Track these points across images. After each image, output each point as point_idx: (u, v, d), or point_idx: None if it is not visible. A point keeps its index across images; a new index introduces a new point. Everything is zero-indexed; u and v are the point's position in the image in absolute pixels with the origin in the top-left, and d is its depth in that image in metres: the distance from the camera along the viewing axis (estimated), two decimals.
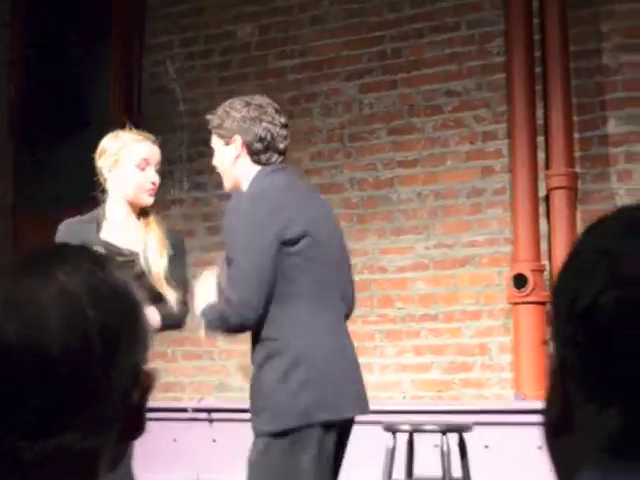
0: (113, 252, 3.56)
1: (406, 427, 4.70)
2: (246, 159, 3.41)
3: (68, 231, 3.65)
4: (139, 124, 6.91)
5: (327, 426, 3.17)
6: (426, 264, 5.90)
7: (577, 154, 5.56)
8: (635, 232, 0.82)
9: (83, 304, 0.97)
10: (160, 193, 3.91)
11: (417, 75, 6.08)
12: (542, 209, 5.58)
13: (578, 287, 0.83)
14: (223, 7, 6.77)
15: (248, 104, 3.45)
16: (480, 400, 5.57)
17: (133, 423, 1.03)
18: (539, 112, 5.64)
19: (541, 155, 5.61)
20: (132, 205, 3.69)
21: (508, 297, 5.53)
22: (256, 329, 3.29)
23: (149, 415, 1.05)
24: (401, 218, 6.01)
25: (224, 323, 3.31)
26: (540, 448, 4.89)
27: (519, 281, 5.44)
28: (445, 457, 4.55)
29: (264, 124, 3.41)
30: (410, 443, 4.79)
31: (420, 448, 4.82)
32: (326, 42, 6.40)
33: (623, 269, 0.80)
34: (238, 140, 3.40)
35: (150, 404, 1.07)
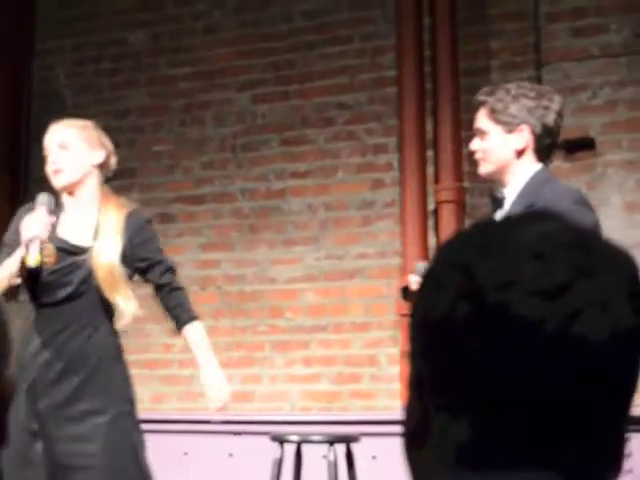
0: (66, 250, 3.55)
1: (294, 438, 4.70)
2: (529, 153, 3.20)
3: (19, 215, 3.62)
4: (28, 129, 6.82)
5: None
6: (316, 275, 5.92)
7: (465, 169, 5.65)
8: (486, 246, 0.84)
9: None
10: None
11: (309, 87, 6.10)
12: (431, 222, 5.66)
13: (432, 300, 0.85)
14: (115, 13, 6.69)
15: (540, 92, 3.23)
16: (368, 411, 5.61)
17: None
18: (429, 126, 5.72)
19: (430, 169, 5.69)
20: (66, 192, 3.69)
21: (397, 309, 5.59)
22: None
23: None
24: (292, 229, 6.02)
25: None
26: None
27: (408, 293, 5.49)
28: (332, 468, 4.56)
29: (554, 116, 3.20)
30: (298, 454, 4.79)
31: (308, 459, 4.83)
32: (218, 51, 6.37)
33: (474, 281, 0.82)
34: (525, 130, 3.20)
35: None
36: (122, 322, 3.66)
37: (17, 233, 3.53)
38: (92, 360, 3.57)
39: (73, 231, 3.65)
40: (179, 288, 3.79)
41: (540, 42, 5.63)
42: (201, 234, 6.23)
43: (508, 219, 0.89)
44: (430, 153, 5.70)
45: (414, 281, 3.42)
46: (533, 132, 3.20)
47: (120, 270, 3.61)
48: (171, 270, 3.79)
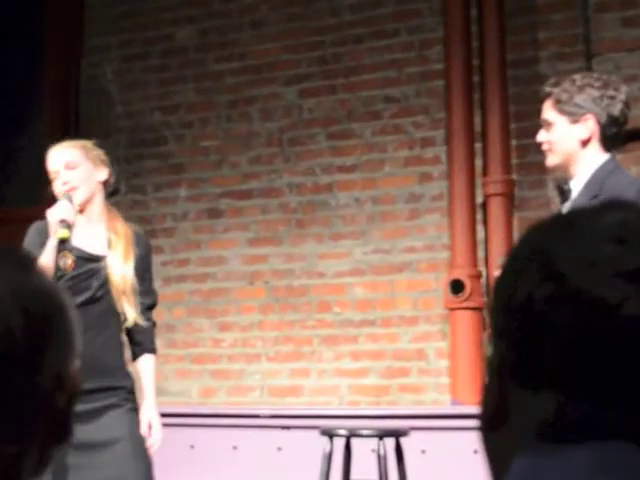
0: (83, 257, 3.70)
1: (343, 432, 4.69)
2: (595, 143, 3.19)
3: (38, 232, 3.71)
4: (76, 126, 6.88)
5: None
6: (364, 269, 5.91)
7: (514, 161, 5.61)
8: (567, 232, 0.87)
9: (6, 307, 0.94)
10: None
11: (356, 81, 6.09)
12: (479, 216, 5.62)
13: (514, 285, 0.87)
14: (162, 9, 6.73)
15: (605, 82, 3.21)
16: (417, 405, 5.60)
17: (59, 428, 1.00)
18: (477, 119, 5.68)
19: (478, 162, 5.65)
20: (79, 209, 3.76)
21: (445, 303, 5.56)
22: None
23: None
24: (339, 223, 6.02)
25: None
26: (476, 452, 4.92)
27: (456, 287, 5.48)
28: (382, 462, 4.55)
29: (620, 106, 3.18)
30: (347, 448, 4.78)
31: (357, 453, 4.82)
32: (265, 46, 6.38)
33: (556, 266, 0.84)
34: (591, 120, 3.18)
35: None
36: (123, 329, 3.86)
37: (34, 247, 3.65)
38: (108, 365, 3.72)
39: (87, 242, 3.78)
40: (154, 323, 3.98)
41: (589, 32, 5.56)
42: (249, 229, 6.25)
43: (587, 208, 0.92)
44: (478, 146, 5.66)
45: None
46: (598, 122, 3.18)
47: (133, 279, 3.77)
48: (156, 304, 3.99)
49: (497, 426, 0.90)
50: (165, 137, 6.55)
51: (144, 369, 3.94)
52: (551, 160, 3.33)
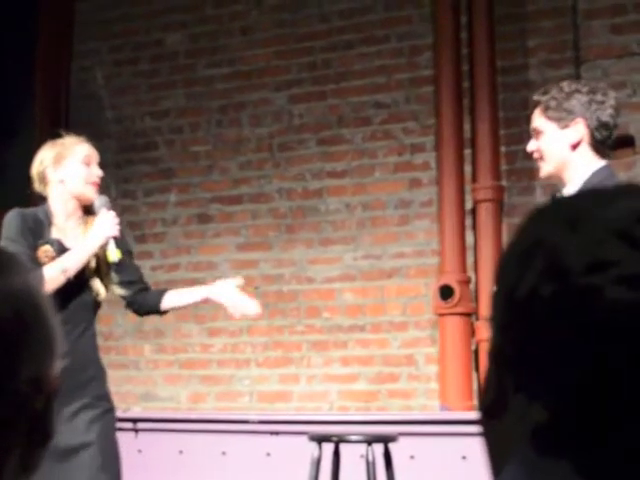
0: (63, 251, 3.69)
1: (332, 437, 4.69)
2: (585, 147, 3.18)
3: (24, 219, 3.72)
4: (67, 131, 6.86)
5: None
6: (353, 275, 5.92)
7: (503, 167, 5.63)
8: (574, 224, 0.82)
9: None
10: None
11: (346, 86, 6.10)
12: (468, 221, 5.64)
13: (515, 277, 0.83)
14: (152, 15, 6.73)
15: (593, 88, 3.21)
16: (406, 411, 5.60)
17: (39, 431, 1.00)
18: (466, 125, 5.70)
19: (468, 168, 5.67)
20: (78, 201, 3.80)
21: (434, 308, 5.57)
22: None
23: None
24: (329, 229, 6.02)
25: None
26: (465, 458, 4.93)
27: (445, 292, 5.49)
28: (371, 468, 4.55)
29: (609, 111, 3.17)
30: (336, 453, 4.78)
31: (346, 458, 4.82)
32: (256, 52, 6.39)
33: (561, 262, 0.80)
34: (580, 124, 3.18)
35: None
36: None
37: (26, 234, 3.68)
38: (92, 360, 3.77)
39: (69, 234, 3.81)
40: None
41: (579, 39, 5.58)
42: (239, 234, 6.25)
43: (594, 194, 0.87)
44: (468, 152, 5.68)
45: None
46: (588, 126, 3.18)
47: (103, 257, 3.80)
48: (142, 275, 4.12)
49: (496, 415, 0.86)
50: (155, 142, 6.55)
51: (177, 292, 3.95)
52: (544, 169, 3.31)
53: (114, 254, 3.69)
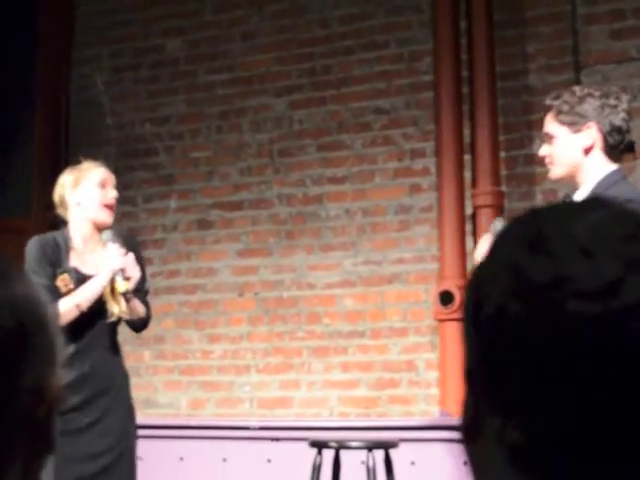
0: (80, 279, 3.89)
1: (332, 444, 4.69)
2: (598, 152, 3.16)
3: (43, 248, 3.90)
4: (67, 138, 6.87)
5: None
6: (354, 281, 5.91)
7: (503, 173, 5.62)
8: (535, 242, 0.83)
9: None
10: None
11: (346, 92, 6.10)
12: (468, 227, 5.63)
13: (481, 297, 0.84)
14: (152, 21, 6.73)
15: (606, 92, 3.20)
16: (407, 417, 5.59)
17: (41, 440, 1.00)
18: (466, 131, 5.70)
19: (468, 173, 5.67)
20: (94, 224, 4.00)
21: (434, 314, 5.57)
22: None
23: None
24: (329, 234, 6.02)
25: None
26: (466, 464, 4.92)
27: (445, 298, 5.48)
28: (371, 474, 4.54)
29: (622, 114, 3.16)
30: (336, 460, 4.78)
31: (346, 465, 4.81)
32: (256, 57, 6.39)
33: (524, 280, 0.81)
34: (593, 128, 3.15)
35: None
36: None
37: (45, 264, 3.87)
38: (117, 380, 4.04)
39: (88, 261, 4.02)
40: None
41: (578, 45, 5.58)
42: (239, 240, 6.25)
43: (558, 209, 0.89)
44: (467, 157, 5.67)
45: (485, 241, 3.36)
46: (601, 130, 3.16)
47: (118, 279, 3.99)
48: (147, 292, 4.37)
49: (474, 438, 0.87)
50: (155, 148, 6.55)
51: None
52: (555, 172, 3.29)
53: (122, 286, 3.88)
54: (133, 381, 6.42)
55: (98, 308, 3.90)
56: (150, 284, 6.31)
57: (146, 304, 4.14)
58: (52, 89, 6.90)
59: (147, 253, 6.37)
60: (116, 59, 6.82)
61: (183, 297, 6.33)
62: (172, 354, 6.27)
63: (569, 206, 0.89)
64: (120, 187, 6.53)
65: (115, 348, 4.07)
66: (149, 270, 6.31)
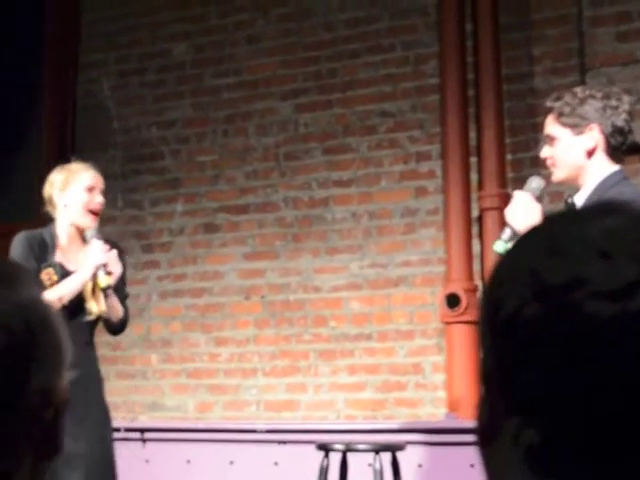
0: (64, 275, 3.94)
1: (339, 446, 4.69)
2: (600, 153, 3.15)
3: (29, 243, 3.93)
4: (73, 142, 6.89)
5: None
6: (360, 284, 5.91)
7: (509, 175, 5.62)
8: (553, 246, 0.84)
9: None
10: None
11: (352, 95, 6.11)
12: (475, 229, 5.63)
13: (499, 300, 0.85)
14: (158, 25, 6.74)
15: (607, 93, 3.18)
16: (413, 419, 5.59)
17: (48, 442, 1.00)
18: (472, 134, 5.70)
19: (474, 176, 5.66)
20: (77, 228, 4.05)
21: (441, 317, 5.56)
22: None
23: None
24: (335, 238, 6.02)
25: None
26: (473, 467, 4.92)
27: (452, 301, 5.48)
28: (378, 476, 4.55)
29: (623, 115, 3.14)
30: (343, 462, 4.78)
31: (353, 468, 4.82)
32: (262, 61, 6.40)
33: (541, 282, 0.82)
34: (595, 130, 3.14)
35: None
36: None
37: (30, 258, 3.92)
38: (95, 376, 4.08)
39: (72, 258, 4.06)
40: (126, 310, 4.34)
41: (584, 47, 5.58)
42: (245, 243, 6.25)
43: (575, 214, 0.90)
44: (473, 160, 5.67)
45: (519, 198, 3.29)
46: (603, 132, 3.14)
47: (98, 277, 4.04)
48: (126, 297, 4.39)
49: (490, 441, 0.87)
50: (162, 152, 6.56)
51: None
52: (557, 175, 3.28)
53: (104, 281, 3.92)
54: (140, 384, 6.45)
55: (77, 304, 3.92)
56: (157, 287, 6.36)
57: (125, 307, 4.14)
58: (59, 94, 6.92)
59: (154, 257, 6.39)
60: (122, 64, 6.84)
61: (190, 300, 6.34)
62: (179, 357, 6.28)
63: (585, 211, 0.89)
64: (126, 191, 6.60)
65: (90, 347, 4.06)
66: (156, 273, 6.35)
